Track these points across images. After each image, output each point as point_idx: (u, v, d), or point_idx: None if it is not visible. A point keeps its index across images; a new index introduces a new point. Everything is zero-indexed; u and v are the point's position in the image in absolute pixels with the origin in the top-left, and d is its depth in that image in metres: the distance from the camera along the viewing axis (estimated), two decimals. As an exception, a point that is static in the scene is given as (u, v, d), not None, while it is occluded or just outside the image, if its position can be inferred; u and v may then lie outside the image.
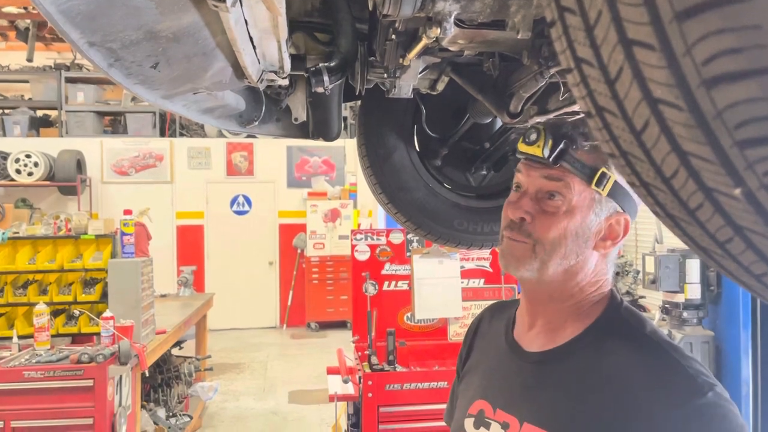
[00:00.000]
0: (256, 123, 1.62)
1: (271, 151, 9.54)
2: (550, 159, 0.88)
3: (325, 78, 1.42)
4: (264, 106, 1.63)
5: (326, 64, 1.40)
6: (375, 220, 8.83)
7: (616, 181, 0.88)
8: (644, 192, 0.44)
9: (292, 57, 1.47)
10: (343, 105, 1.80)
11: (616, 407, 0.81)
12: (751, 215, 0.34)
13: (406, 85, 1.36)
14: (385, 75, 1.34)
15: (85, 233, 4.09)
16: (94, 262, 4.02)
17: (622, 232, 0.90)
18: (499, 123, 1.75)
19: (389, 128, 1.79)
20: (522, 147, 0.93)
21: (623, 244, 0.97)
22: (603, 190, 0.87)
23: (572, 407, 0.85)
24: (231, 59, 1.21)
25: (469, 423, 0.99)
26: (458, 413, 1.05)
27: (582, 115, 1.29)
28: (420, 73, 1.31)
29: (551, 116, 1.19)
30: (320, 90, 1.53)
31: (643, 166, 0.41)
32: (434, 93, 1.47)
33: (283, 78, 1.39)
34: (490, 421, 0.95)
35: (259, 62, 1.29)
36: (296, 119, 1.77)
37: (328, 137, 1.86)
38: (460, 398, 1.07)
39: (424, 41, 1.03)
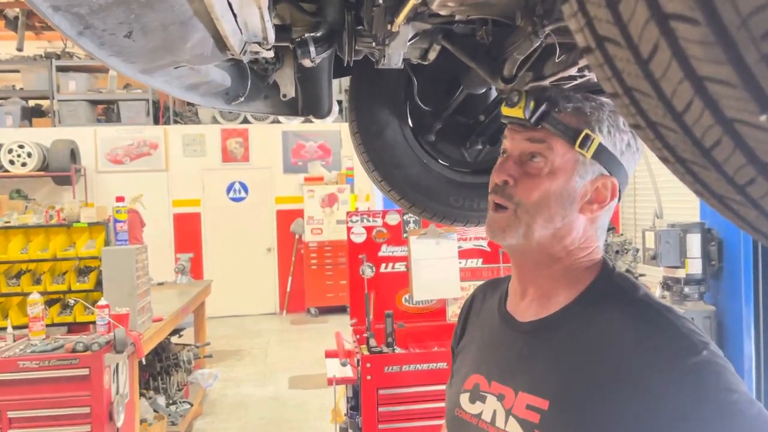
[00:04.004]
0: (242, 99, 1.56)
1: (267, 136, 9.47)
2: (532, 120, 0.87)
3: (312, 49, 1.37)
4: (250, 82, 1.57)
5: (312, 34, 1.35)
6: (373, 204, 8.78)
7: (601, 144, 0.87)
8: (651, 134, 0.39)
9: (278, 28, 1.41)
10: (338, 88, 1.74)
11: (609, 371, 0.81)
12: (779, 147, 0.30)
13: (396, 54, 1.30)
14: (374, 43, 1.29)
15: (78, 221, 4.04)
16: (87, 251, 3.97)
17: (610, 196, 0.89)
18: (493, 94, 1.69)
19: (381, 103, 1.74)
20: (504, 110, 0.91)
21: (610, 212, 0.94)
22: (587, 152, 0.86)
23: (566, 374, 0.84)
24: (211, 29, 1.15)
25: (464, 398, 0.98)
26: (454, 390, 1.03)
27: (579, 81, 1.24)
28: (410, 41, 1.25)
29: (547, 81, 1.14)
30: (307, 62, 1.48)
31: (650, 103, 0.36)
32: (426, 63, 1.42)
33: (267, 49, 1.34)
34: (485, 394, 0.94)
35: (241, 32, 1.24)
36: (284, 95, 1.72)
37: (319, 114, 1.80)
38: (456, 375, 1.06)
39: (411, 3, 0.98)
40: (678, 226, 2.97)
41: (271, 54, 1.39)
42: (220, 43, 1.23)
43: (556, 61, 1.02)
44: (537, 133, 0.89)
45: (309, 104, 1.79)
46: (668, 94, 0.34)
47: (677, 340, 0.80)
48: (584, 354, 0.85)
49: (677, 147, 0.37)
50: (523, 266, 0.96)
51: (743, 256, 2.84)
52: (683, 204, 5.42)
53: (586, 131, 0.86)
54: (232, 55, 1.30)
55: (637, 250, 5.25)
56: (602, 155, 0.87)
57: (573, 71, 1.06)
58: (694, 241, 2.92)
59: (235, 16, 1.15)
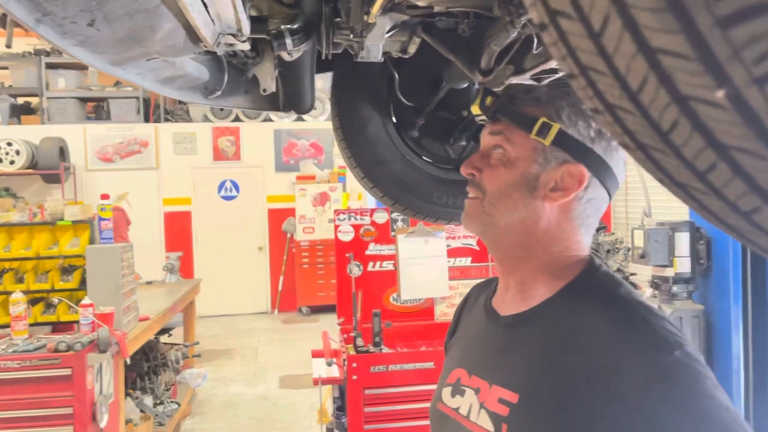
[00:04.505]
0: (219, 93, 1.53)
1: (258, 135, 9.42)
2: (489, 114, 0.92)
3: (288, 41, 1.33)
4: (227, 76, 1.54)
5: (289, 26, 1.32)
6: (365, 203, 8.75)
7: (562, 130, 0.87)
8: (611, 119, 0.36)
9: (254, 19, 1.37)
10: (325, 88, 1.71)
11: (579, 368, 0.79)
12: (739, 127, 0.27)
13: (374, 47, 1.27)
14: (352, 35, 1.25)
15: (62, 219, 3.98)
16: (71, 249, 3.92)
17: (577, 184, 0.88)
18: (476, 90, 1.67)
19: (363, 98, 1.71)
20: (472, 108, 0.96)
21: (591, 205, 0.91)
22: (545, 139, 0.87)
23: (538, 368, 0.84)
24: (182, 19, 1.12)
25: (446, 392, 0.99)
26: (438, 384, 1.04)
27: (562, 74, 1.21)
28: (388, 33, 1.22)
29: (528, 75, 1.12)
30: (285, 55, 1.45)
31: (606, 83, 0.33)
32: (406, 56, 1.39)
33: (243, 41, 1.30)
34: (465, 388, 0.95)
35: (214, 23, 1.20)
36: (264, 90, 1.68)
37: (300, 109, 1.77)
38: (443, 370, 1.06)
39: (386, -8, 0.95)
40: (667, 224, 2.95)
41: (247, 46, 1.35)
42: (192, 34, 1.20)
43: (534, 52, 0.99)
44: (497, 126, 0.93)
45: (290, 99, 1.76)
46: (622, 70, 0.31)
47: (649, 339, 0.78)
48: (557, 349, 0.83)
49: (636, 131, 0.34)
50: (502, 260, 0.97)
51: (732, 255, 2.82)
52: (673, 203, 5.41)
53: (543, 119, 0.87)
54: (206, 47, 1.26)
55: (629, 249, 5.24)
56: (565, 142, 0.87)
57: (553, 63, 1.04)
58: (682, 240, 2.90)
59: (206, 5, 1.12)
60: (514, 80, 1.18)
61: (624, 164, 0.91)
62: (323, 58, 1.46)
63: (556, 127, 0.87)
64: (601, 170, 0.88)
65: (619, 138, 0.37)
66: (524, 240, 0.91)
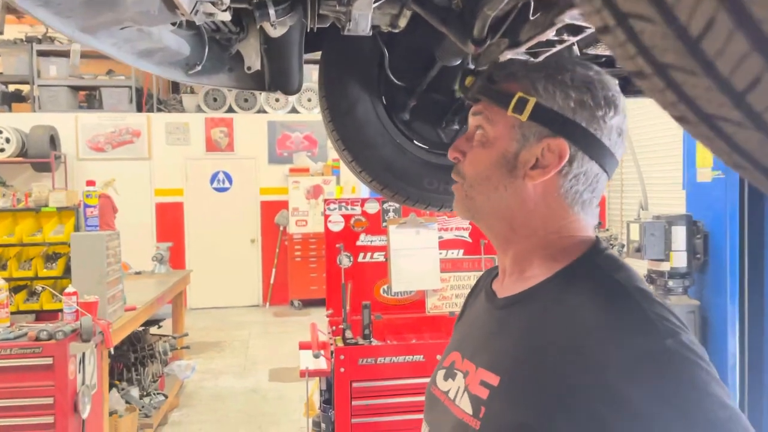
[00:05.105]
0: (199, 67, 1.45)
1: (252, 126, 9.33)
2: (469, 95, 0.91)
3: (271, 11, 1.26)
4: (207, 49, 1.46)
5: (272, -5, 1.25)
6: (359, 196, 8.68)
7: (539, 104, 0.82)
8: (622, 36, 0.29)
9: (235, -13, 1.30)
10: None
11: (564, 352, 0.74)
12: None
13: (362, 18, 1.20)
14: (338, 5, 1.19)
15: (46, 206, 3.90)
16: (55, 236, 3.84)
17: (557, 160, 0.82)
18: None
19: (352, 77, 1.64)
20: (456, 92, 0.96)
21: (581, 181, 0.85)
22: (522, 115, 0.83)
23: (523, 351, 0.80)
24: (155, -18, 1.05)
25: (440, 376, 0.96)
26: (436, 367, 1.01)
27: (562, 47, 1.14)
28: (376, 2, 1.15)
29: (523, 48, 1.05)
30: (270, 29, 1.38)
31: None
32: (396, 31, 1.32)
33: (223, 11, 1.23)
34: (456, 371, 0.92)
35: (190, -12, 1.13)
36: (249, 68, 1.61)
37: (288, 90, 1.70)
38: (443, 353, 1.03)
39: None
40: (663, 218, 2.89)
41: (228, 17, 1.28)
42: (168, 1, 1.13)
43: (531, 18, 0.93)
44: (478, 107, 0.90)
45: (277, 79, 1.69)
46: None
47: (639, 325, 0.72)
48: (542, 333, 0.79)
49: (654, 45, 0.27)
50: (495, 243, 0.94)
51: (729, 250, 2.77)
52: (670, 195, 5.37)
53: (519, 94, 0.83)
54: (183, 15, 1.19)
55: (623, 246, 5.19)
56: (543, 116, 0.82)
57: (550, 34, 0.97)
58: (679, 234, 2.84)
59: (180, -33, 1.05)
60: (509, 55, 1.11)
61: (619, 134, 0.84)
62: (309, 30, 1.39)
63: (532, 101, 0.82)
64: (586, 142, 0.82)
65: (631, 62, 0.30)
66: (512, 222, 0.88)
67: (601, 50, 1.12)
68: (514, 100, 0.83)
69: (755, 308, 2.79)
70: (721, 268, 2.83)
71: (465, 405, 0.83)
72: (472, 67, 1.47)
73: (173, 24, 1.35)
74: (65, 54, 8.93)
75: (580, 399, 0.70)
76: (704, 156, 2.93)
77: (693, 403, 0.67)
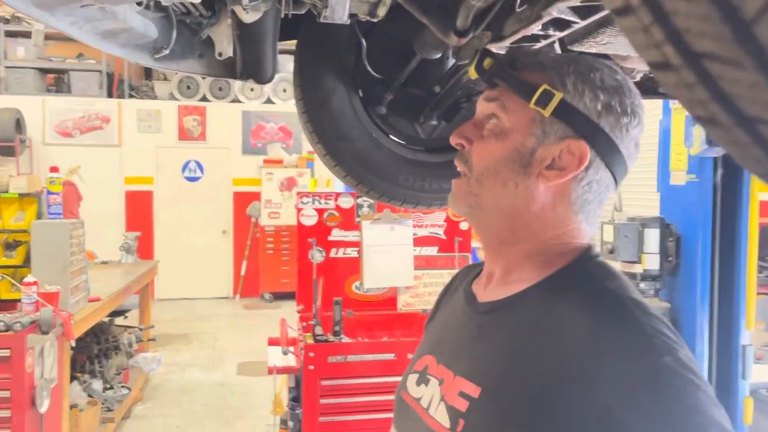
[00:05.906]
0: (166, 51, 1.38)
1: (226, 115, 9.18)
2: (485, 78, 0.82)
3: (244, -6, 1.21)
4: (175, 32, 1.39)
5: (245, -23, 1.19)
6: (333, 189, 8.60)
7: (565, 101, 0.76)
8: (649, 17, 0.25)
9: (205, -32, 1.24)
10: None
11: (553, 364, 0.69)
12: None
13: (339, 5, 1.15)
14: (313, -10, 1.13)
15: (6, 192, 3.76)
16: (16, 223, 3.71)
17: (576, 163, 0.76)
18: (450, 64, 1.55)
19: (328, 67, 1.58)
20: (469, 72, 0.85)
21: (593, 188, 0.80)
22: (545, 109, 0.76)
23: (506, 361, 0.75)
24: (118, -43, 0.98)
25: (412, 380, 0.90)
26: (407, 369, 0.95)
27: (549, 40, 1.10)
28: (354, -12, 1.10)
29: (507, 42, 1.00)
30: (242, 14, 1.31)
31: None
32: (375, 20, 1.26)
33: (191, -8, 1.16)
34: (430, 377, 0.86)
35: (157, -35, 1.06)
36: (220, 54, 1.54)
37: (260, 79, 1.64)
38: (414, 354, 0.97)
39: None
40: (637, 220, 2.89)
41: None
42: (132, -23, 1.06)
43: (517, 10, 0.88)
44: (492, 92, 0.82)
45: (249, 67, 1.62)
46: None
47: (635, 340, 0.68)
48: (529, 342, 0.74)
49: (688, 29, 0.22)
50: (488, 244, 0.88)
51: (701, 253, 2.78)
52: (644, 197, 5.41)
53: (545, 86, 0.76)
54: (148, -7, 1.12)
55: (599, 248, 5.23)
56: (568, 114, 0.76)
57: (536, 28, 0.93)
58: (652, 236, 2.85)
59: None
60: (492, 49, 1.07)
61: (636, 147, 0.80)
62: (284, 17, 1.33)
63: (558, 96, 0.76)
64: (606, 150, 0.77)
65: (656, 52, 0.25)
66: (514, 223, 0.81)
67: (587, 47, 1.08)
68: (538, 92, 0.76)
69: (725, 312, 2.81)
70: (692, 271, 2.84)
71: (441, 417, 0.78)
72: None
73: (139, 4, 1.28)
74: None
75: (568, 414, 0.66)
76: (679, 159, 2.93)
77: (690, 425, 0.63)
